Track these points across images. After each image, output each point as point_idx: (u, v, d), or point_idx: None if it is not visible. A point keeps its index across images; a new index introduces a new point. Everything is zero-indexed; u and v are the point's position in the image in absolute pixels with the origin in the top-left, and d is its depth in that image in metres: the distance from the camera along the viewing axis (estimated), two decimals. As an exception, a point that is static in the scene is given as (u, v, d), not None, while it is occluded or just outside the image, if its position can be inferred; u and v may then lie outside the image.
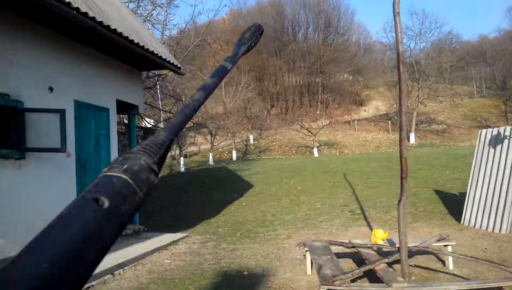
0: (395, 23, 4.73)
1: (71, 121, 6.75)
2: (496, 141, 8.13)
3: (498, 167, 7.95)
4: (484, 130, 8.71)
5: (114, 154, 8.08)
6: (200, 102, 0.60)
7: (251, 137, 36.69)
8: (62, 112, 5.96)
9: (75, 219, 0.35)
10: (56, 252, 0.32)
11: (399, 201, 4.80)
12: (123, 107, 9.01)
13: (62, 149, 5.93)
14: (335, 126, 37.45)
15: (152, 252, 6.88)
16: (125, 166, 0.42)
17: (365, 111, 46.89)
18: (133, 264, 6.21)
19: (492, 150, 8.20)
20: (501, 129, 8.16)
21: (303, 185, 13.97)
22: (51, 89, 6.37)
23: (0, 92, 5.46)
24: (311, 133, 29.50)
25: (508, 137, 7.85)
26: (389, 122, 37.28)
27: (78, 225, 0.34)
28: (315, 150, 29.02)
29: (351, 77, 53.08)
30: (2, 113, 5.64)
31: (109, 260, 5.95)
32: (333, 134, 35.48)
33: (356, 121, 40.58)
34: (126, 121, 20.61)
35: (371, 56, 58.15)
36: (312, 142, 29.84)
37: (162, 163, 0.48)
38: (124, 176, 0.41)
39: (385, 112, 41.55)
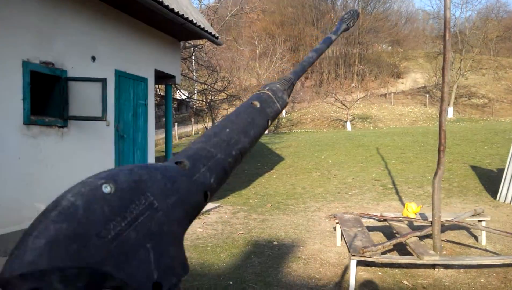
0: None
1: (112, 90, 6.98)
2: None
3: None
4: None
5: (151, 124, 8.31)
6: (314, 59, 0.79)
7: (283, 110, 36.54)
8: (104, 81, 6.16)
9: (238, 114, 0.55)
10: (225, 130, 0.51)
11: (435, 174, 4.76)
12: (161, 77, 9.20)
13: (103, 117, 6.17)
14: (370, 99, 36.68)
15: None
16: (268, 87, 0.64)
17: (402, 83, 45.55)
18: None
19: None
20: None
21: (334, 159, 13.95)
22: (93, 58, 6.59)
23: (44, 60, 5.71)
24: (345, 106, 29.08)
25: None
26: (427, 95, 36.13)
27: (239, 117, 0.54)
28: (348, 123, 28.66)
29: (390, 47, 51.39)
30: (46, 81, 5.91)
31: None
32: (368, 108, 34.81)
33: (392, 94, 39.55)
34: (161, 93, 20.96)
35: (412, 25, 55.87)
36: (345, 116, 29.45)
37: (290, 91, 0.69)
38: (267, 92, 0.62)
39: (423, 85, 40.24)
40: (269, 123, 0.61)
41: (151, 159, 8.22)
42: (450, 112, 31.86)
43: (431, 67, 37.92)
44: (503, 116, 32.09)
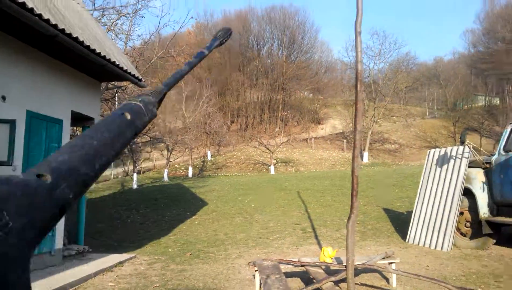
0: (356, 42, 4.90)
1: (21, 132, 6.49)
2: (443, 161, 8.57)
3: (443, 186, 8.37)
4: (432, 150, 9.16)
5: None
6: (186, 71, 0.84)
7: (209, 153, 36.57)
8: (12, 123, 5.74)
9: (108, 125, 0.55)
10: (93, 142, 0.51)
11: (349, 218, 4.97)
12: (78, 119, 8.78)
13: (8, 162, 5.71)
14: (292, 143, 38.03)
15: (96, 274, 6.57)
16: (140, 98, 0.66)
17: (322, 129, 47.99)
18: (73, 288, 5.87)
19: (438, 169, 8.63)
20: (448, 149, 8.62)
21: (257, 203, 14.06)
22: (3, 98, 6.14)
23: None
24: (269, 150, 29.82)
25: (454, 157, 8.31)
26: (345, 140, 38.33)
27: (108, 129, 0.54)
28: (271, 167, 29.33)
29: (311, 94, 54.29)
30: None
31: (49, 283, 5.68)
32: (290, 152, 35.99)
33: (313, 139, 41.44)
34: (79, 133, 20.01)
35: (331, 74, 59.75)
36: (269, 159, 30.15)
37: (159, 104, 0.71)
38: (139, 104, 0.64)
39: (341, 131, 42.73)
40: (136, 135, 0.63)
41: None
42: (365, 157, 33.99)
43: (348, 114, 40.55)
44: (413, 160, 34.86)
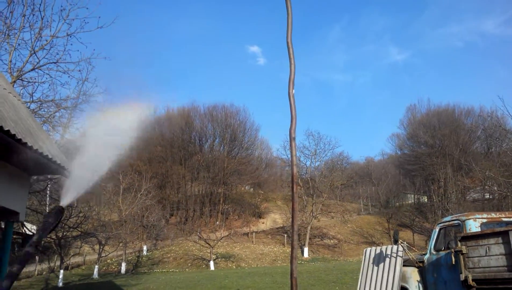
0: (291, 147, 5.17)
1: None
2: (379, 259, 8.72)
3: (381, 285, 8.41)
4: (368, 249, 9.34)
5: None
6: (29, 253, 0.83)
7: (145, 248, 34.70)
8: None
9: None
10: None
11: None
12: (1, 213, 8.12)
13: None
14: (233, 237, 37.32)
15: None
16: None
17: (263, 223, 47.86)
18: None
19: (375, 268, 8.73)
20: (383, 248, 8.83)
21: (195, 303, 13.25)
22: None
23: None
24: (209, 244, 28.94)
25: (389, 256, 8.48)
26: (285, 235, 38.24)
27: None
28: (211, 263, 28.24)
29: (252, 189, 54.90)
30: None
31: None
32: (231, 246, 35.17)
33: (254, 233, 41.02)
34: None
35: (271, 170, 61.44)
36: (209, 254, 29.12)
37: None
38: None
39: (281, 225, 42.79)
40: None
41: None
42: (306, 252, 33.90)
43: (288, 209, 41.03)
44: (351, 256, 35.23)
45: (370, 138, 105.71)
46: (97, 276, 24.30)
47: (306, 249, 34.35)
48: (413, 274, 8.39)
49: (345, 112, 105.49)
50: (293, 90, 5.85)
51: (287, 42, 6.06)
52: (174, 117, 53.96)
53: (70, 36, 12.79)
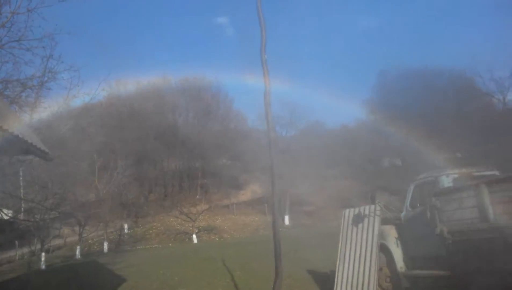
0: (267, 113, 5.20)
1: None
2: (358, 219, 8.97)
3: (361, 244, 8.68)
4: (347, 210, 9.58)
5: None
6: None
7: (126, 226, 34.58)
8: None
9: None
10: None
11: (274, 283, 4.94)
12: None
13: None
14: (214, 210, 37.62)
15: None
16: None
17: (243, 195, 48.25)
18: None
19: (355, 228, 8.99)
20: (361, 209, 9.07)
21: (181, 276, 13.41)
22: None
23: None
24: (190, 218, 29.12)
25: (367, 216, 8.74)
26: (266, 205, 38.76)
27: None
28: (194, 236, 28.50)
29: (229, 162, 54.94)
30: None
31: None
32: (213, 219, 35.49)
33: (235, 205, 41.36)
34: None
35: (248, 142, 61.37)
36: (191, 228, 29.35)
37: None
38: None
39: (261, 195, 43.23)
40: None
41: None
42: (286, 220, 34.52)
43: (267, 179, 41.40)
44: (331, 220, 36.02)
45: (345, 105, 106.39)
46: (79, 256, 24.23)
47: (287, 217, 34.95)
48: (391, 232, 8.72)
49: (318, 80, 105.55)
50: (265, 56, 5.84)
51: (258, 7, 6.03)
52: (145, 92, 52.83)
53: (31, 12, 12.24)
